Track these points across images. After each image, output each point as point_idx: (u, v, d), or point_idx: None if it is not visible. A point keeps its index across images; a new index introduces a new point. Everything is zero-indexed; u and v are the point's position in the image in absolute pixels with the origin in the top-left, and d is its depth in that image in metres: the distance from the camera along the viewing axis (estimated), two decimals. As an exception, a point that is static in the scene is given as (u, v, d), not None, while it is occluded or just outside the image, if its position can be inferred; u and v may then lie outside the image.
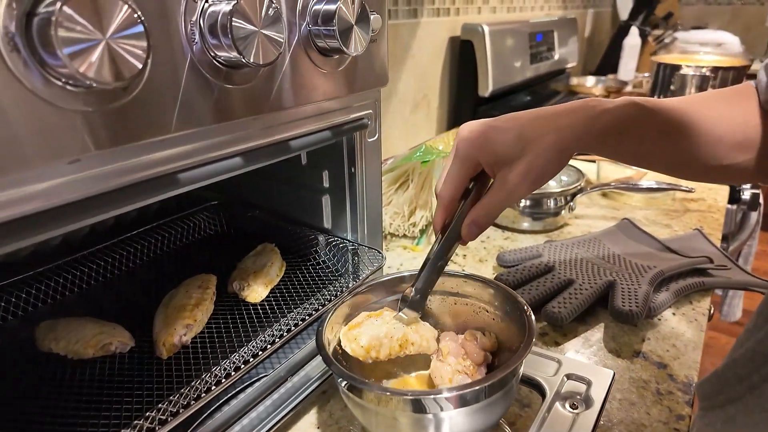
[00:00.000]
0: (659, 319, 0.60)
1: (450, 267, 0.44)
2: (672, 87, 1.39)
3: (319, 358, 0.48)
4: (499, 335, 0.44)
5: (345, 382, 0.36)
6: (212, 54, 0.31)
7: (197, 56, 0.30)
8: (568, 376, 0.44)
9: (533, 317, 0.39)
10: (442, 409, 0.35)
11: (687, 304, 0.63)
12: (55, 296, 0.48)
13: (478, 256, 0.75)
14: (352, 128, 0.47)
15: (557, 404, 0.41)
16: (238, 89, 0.34)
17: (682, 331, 0.58)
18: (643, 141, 0.39)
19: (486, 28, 1.15)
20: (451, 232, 0.41)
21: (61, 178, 0.26)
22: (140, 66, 0.24)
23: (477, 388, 0.34)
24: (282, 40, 0.32)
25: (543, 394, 0.42)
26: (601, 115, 0.38)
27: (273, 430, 0.43)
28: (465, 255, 0.76)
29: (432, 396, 0.34)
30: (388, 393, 0.35)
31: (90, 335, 0.40)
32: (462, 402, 0.35)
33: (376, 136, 0.51)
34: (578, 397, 0.42)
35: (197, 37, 0.30)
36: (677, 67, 1.37)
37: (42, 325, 0.43)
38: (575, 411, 0.40)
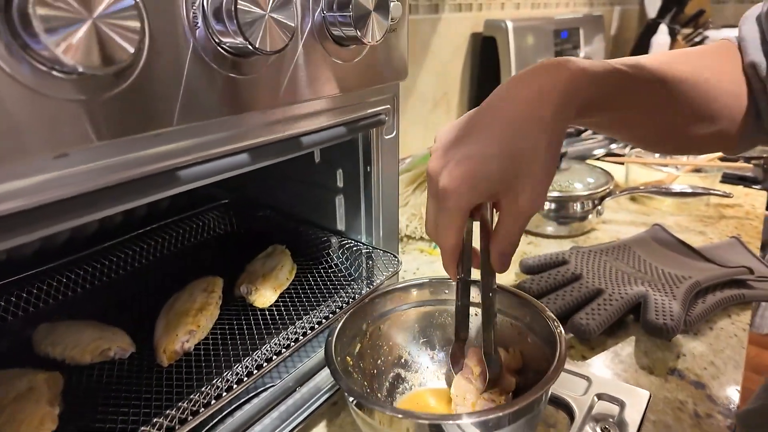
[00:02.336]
0: (695, 334, 0.55)
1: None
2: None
3: (329, 368, 0.46)
4: (525, 352, 0.41)
5: (353, 399, 0.34)
6: (217, 40, 0.28)
7: (200, 43, 0.28)
8: (599, 396, 0.40)
9: (564, 337, 0.35)
10: (461, 434, 0.31)
11: (725, 318, 0.58)
12: (57, 296, 0.46)
13: (499, 262, 0.71)
14: (369, 124, 0.44)
15: (587, 427, 0.38)
16: (246, 80, 0.31)
17: (721, 348, 0.53)
18: (629, 109, 0.39)
19: (510, 24, 1.11)
20: (484, 277, 0.37)
21: (46, 174, 0.24)
22: (132, 50, 0.22)
23: (501, 414, 0.31)
24: (292, 25, 0.29)
25: (571, 415, 0.39)
26: (580, 89, 0.34)
27: (279, 444, 0.40)
28: (485, 260, 0.72)
29: (452, 421, 0.31)
30: (400, 416, 0.32)
31: (88, 340, 0.38)
32: (484, 428, 0.31)
33: (394, 133, 0.48)
34: (611, 420, 0.38)
35: (200, 21, 0.27)
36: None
37: (40, 328, 0.41)
38: (608, 437, 0.37)
